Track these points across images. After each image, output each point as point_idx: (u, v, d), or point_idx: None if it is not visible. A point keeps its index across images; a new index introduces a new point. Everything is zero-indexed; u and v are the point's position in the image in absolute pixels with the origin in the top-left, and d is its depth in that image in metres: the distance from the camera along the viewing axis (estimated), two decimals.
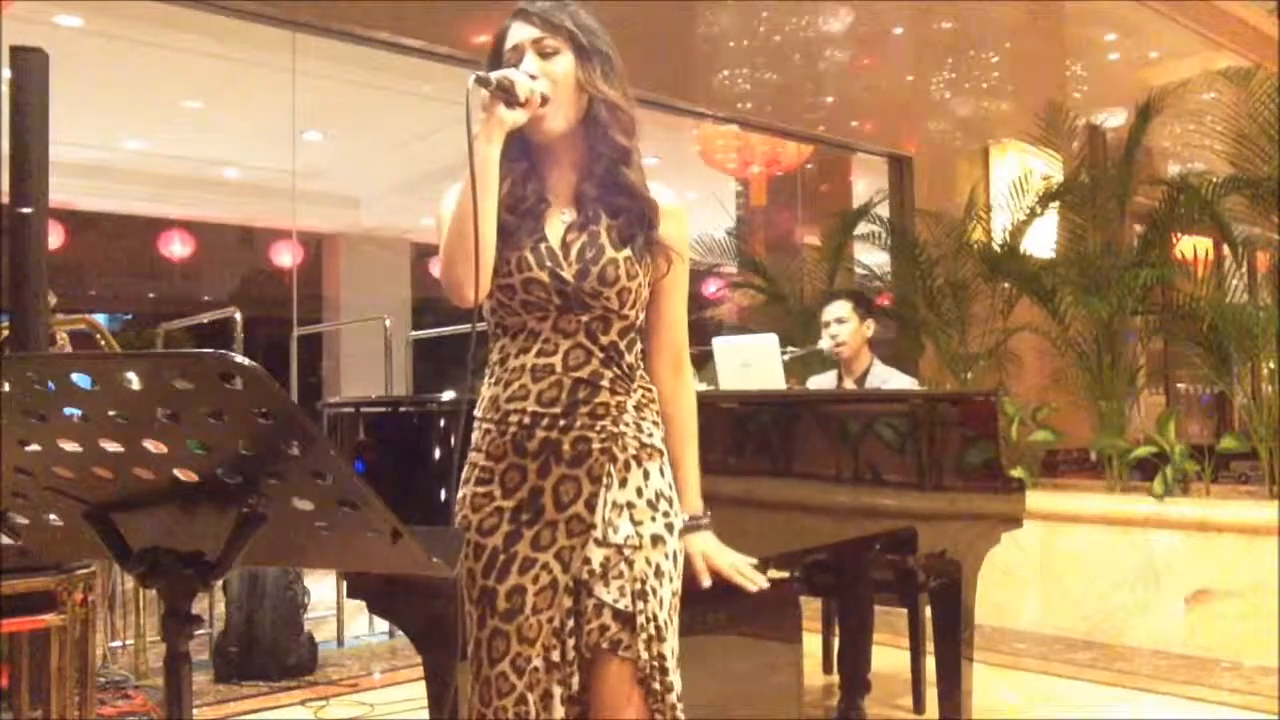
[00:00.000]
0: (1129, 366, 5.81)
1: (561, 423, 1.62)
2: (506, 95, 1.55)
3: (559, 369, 1.63)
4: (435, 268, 1.87)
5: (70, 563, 2.26)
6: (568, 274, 1.63)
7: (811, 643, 3.52)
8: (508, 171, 1.63)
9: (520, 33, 1.65)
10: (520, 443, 1.63)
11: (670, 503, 1.69)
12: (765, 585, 1.79)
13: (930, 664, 3.39)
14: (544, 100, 1.61)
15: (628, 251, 1.65)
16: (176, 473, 1.08)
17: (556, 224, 1.67)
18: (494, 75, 1.56)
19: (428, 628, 2.22)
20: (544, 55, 1.63)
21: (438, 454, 2.15)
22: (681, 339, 1.78)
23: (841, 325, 3.64)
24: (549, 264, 1.63)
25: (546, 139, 1.65)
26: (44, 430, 1.07)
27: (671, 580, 1.66)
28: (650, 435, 1.68)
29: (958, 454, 3.21)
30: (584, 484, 1.63)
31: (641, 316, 1.71)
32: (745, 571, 1.78)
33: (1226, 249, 5.62)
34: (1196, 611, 4.58)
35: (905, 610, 3.60)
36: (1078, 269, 5.79)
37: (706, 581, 1.76)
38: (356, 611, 4.95)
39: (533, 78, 1.61)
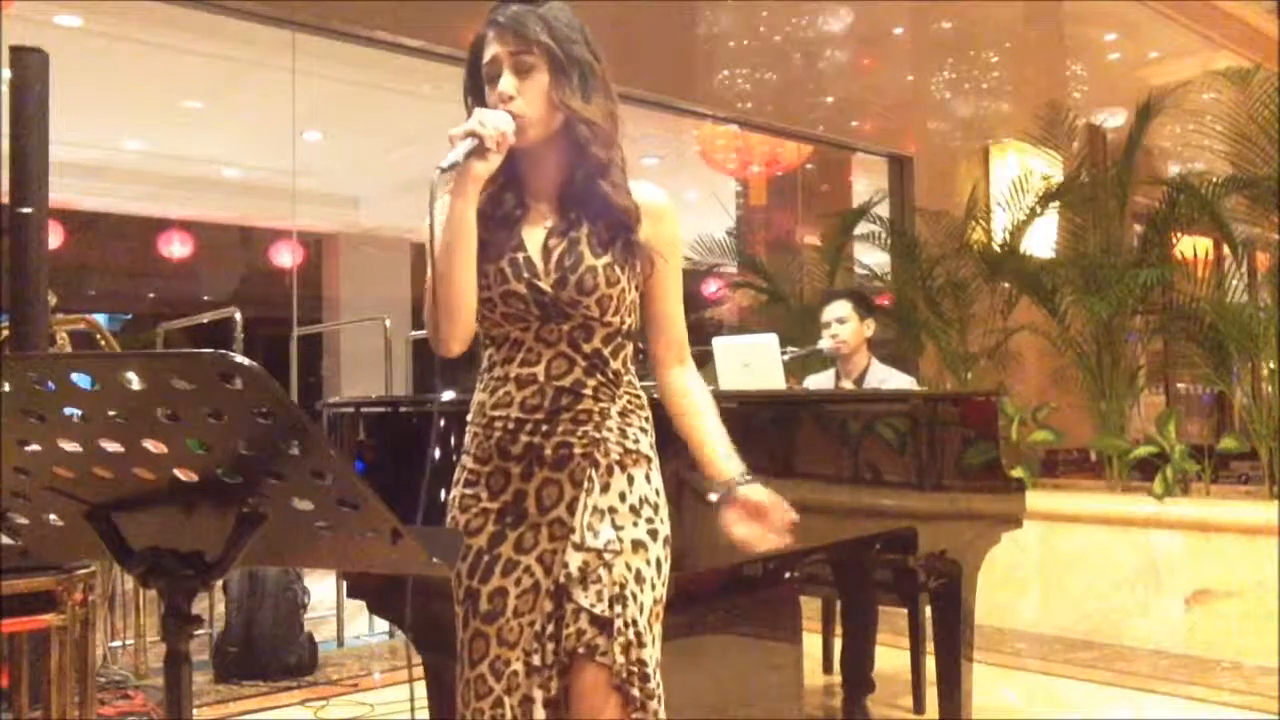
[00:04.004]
0: (1129, 366, 5.81)
1: (544, 428, 1.62)
2: (477, 150, 1.54)
3: (542, 378, 1.63)
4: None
5: (70, 563, 2.26)
6: (545, 284, 1.62)
7: (811, 643, 3.52)
8: (488, 182, 1.62)
9: (496, 47, 1.63)
10: (504, 446, 1.64)
11: (656, 509, 1.67)
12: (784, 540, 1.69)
13: (930, 664, 3.39)
14: (517, 115, 1.60)
15: (607, 258, 1.64)
16: (176, 473, 1.08)
17: (536, 232, 1.67)
18: (460, 143, 1.53)
19: (427, 628, 2.22)
20: (520, 71, 1.62)
21: (437, 454, 2.15)
22: (680, 334, 1.77)
23: (842, 325, 3.63)
24: (526, 275, 1.63)
25: (525, 147, 1.64)
26: (44, 430, 1.07)
27: (654, 587, 1.64)
28: (636, 441, 1.67)
29: (958, 454, 3.21)
30: (566, 488, 1.63)
31: (629, 321, 1.69)
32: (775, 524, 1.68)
33: (1226, 249, 5.62)
34: (1196, 611, 4.58)
35: (905, 610, 3.60)
36: (1078, 269, 5.79)
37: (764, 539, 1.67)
38: (356, 611, 4.95)
39: (510, 98, 1.60)
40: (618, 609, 1.59)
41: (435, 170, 1.53)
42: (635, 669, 1.59)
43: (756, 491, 1.68)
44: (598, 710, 1.59)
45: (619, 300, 1.65)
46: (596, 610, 1.59)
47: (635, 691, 1.59)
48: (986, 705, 3.64)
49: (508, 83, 1.62)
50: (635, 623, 1.59)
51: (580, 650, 1.59)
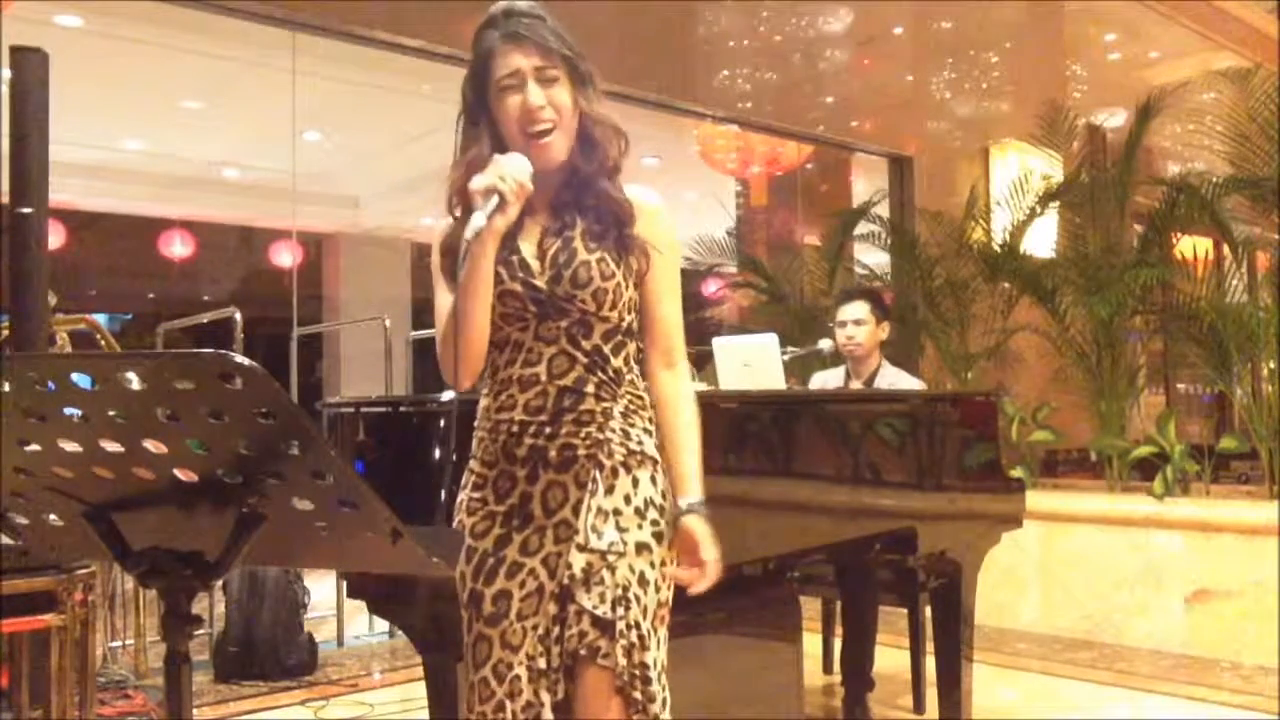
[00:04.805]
0: (1129, 366, 5.81)
1: (548, 430, 1.62)
2: (499, 207, 1.55)
3: (544, 378, 1.63)
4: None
5: (70, 563, 2.26)
6: (540, 281, 1.63)
7: (811, 643, 3.52)
8: None
9: (517, 59, 1.62)
10: (510, 450, 1.64)
11: (661, 511, 1.67)
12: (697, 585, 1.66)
13: (930, 664, 3.39)
14: (551, 130, 1.62)
15: (600, 252, 1.64)
16: (176, 473, 1.08)
17: (532, 233, 1.67)
18: (482, 200, 1.54)
19: (428, 628, 2.22)
20: (545, 83, 1.62)
21: (437, 454, 2.15)
22: (672, 340, 1.74)
23: (859, 327, 3.61)
24: (520, 274, 1.64)
25: (550, 167, 1.64)
26: (44, 430, 1.08)
27: (658, 590, 1.63)
28: (640, 443, 1.67)
29: (958, 454, 3.21)
30: (571, 490, 1.63)
31: (628, 319, 1.68)
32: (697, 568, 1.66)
33: (1226, 249, 5.62)
34: (1196, 611, 4.58)
35: (905, 610, 3.60)
36: (1078, 269, 5.79)
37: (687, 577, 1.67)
38: (356, 611, 4.95)
39: (542, 107, 1.61)
40: (620, 611, 1.59)
41: (463, 240, 1.55)
42: (638, 671, 1.59)
43: (695, 525, 1.66)
44: (600, 713, 1.59)
45: (615, 294, 1.65)
46: (599, 612, 1.59)
47: (637, 694, 1.59)
48: (986, 705, 3.65)
49: (538, 94, 1.62)
50: (638, 625, 1.59)
51: (582, 652, 1.59)
